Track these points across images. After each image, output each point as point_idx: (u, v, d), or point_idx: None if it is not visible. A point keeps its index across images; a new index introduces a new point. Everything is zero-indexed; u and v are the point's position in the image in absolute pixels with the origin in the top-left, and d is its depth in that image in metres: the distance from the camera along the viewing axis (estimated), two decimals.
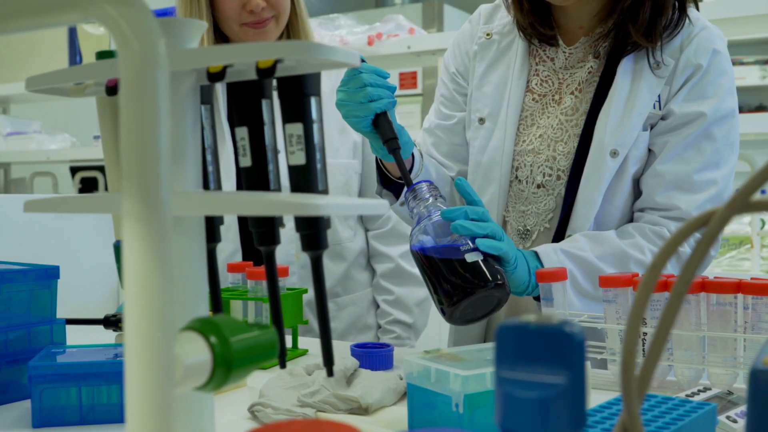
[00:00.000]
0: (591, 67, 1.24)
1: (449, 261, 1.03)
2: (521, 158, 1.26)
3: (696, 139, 1.18)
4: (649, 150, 1.21)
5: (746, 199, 0.43)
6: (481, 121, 1.30)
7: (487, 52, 1.32)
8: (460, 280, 1.01)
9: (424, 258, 1.05)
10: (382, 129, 1.10)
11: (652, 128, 1.21)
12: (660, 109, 1.20)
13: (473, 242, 1.03)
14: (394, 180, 1.23)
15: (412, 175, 1.20)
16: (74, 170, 3.68)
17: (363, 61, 1.10)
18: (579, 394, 0.38)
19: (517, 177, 1.27)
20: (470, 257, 1.02)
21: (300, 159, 0.59)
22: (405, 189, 1.13)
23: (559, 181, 1.23)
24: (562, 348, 0.37)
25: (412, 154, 1.20)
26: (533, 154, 1.25)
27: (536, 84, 1.28)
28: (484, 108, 1.30)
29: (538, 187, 1.25)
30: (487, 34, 1.33)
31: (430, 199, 1.09)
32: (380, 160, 1.23)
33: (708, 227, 0.44)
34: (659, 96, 1.20)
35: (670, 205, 1.18)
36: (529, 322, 0.38)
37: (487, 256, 1.04)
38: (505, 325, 0.39)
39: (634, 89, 1.19)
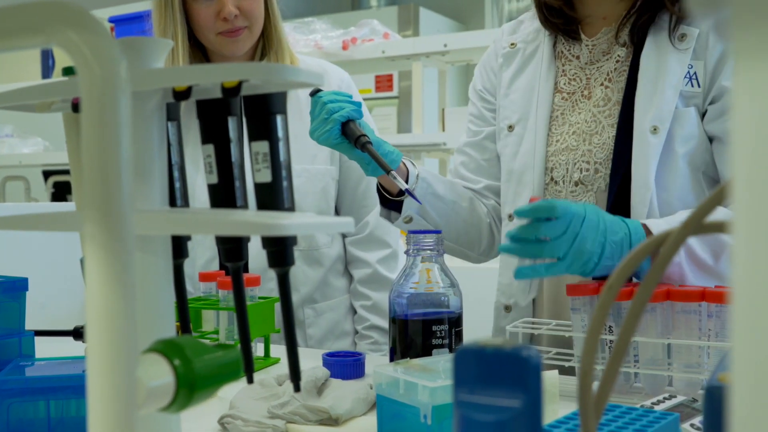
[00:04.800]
0: (618, 56, 1.23)
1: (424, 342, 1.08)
2: (555, 158, 1.25)
3: None
4: (718, 139, 1.17)
5: (700, 221, 0.44)
6: (510, 128, 1.30)
7: (513, 61, 1.33)
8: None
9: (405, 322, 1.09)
10: (350, 133, 1.14)
11: (704, 116, 1.17)
12: (698, 86, 1.17)
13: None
14: (390, 198, 1.24)
15: (408, 185, 1.20)
16: (47, 174, 3.65)
17: (321, 90, 1.16)
18: (535, 417, 0.38)
19: (552, 178, 1.25)
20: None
21: (266, 177, 0.59)
22: (405, 193, 1.17)
23: (597, 175, 1.21)
24: (519, 371, 0.38)
25: (405, 165, 1.22)
26: (567, 151, 1.24)
27: (564, 83, 1.28)
28: (512, 115, 1.30)
29: (576, 184, 1.23)
30: (512, 44, 1.34)
31: (436, 264, 1.09)
32: (379, 184, 1.25)
33: (663, 248, 0.45)
34: (695, 73, 1.17)
35: None
36: (486, 346, 0.39)
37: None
38: (462, 349, 0.39)
39: (661, 64, 1.17)
